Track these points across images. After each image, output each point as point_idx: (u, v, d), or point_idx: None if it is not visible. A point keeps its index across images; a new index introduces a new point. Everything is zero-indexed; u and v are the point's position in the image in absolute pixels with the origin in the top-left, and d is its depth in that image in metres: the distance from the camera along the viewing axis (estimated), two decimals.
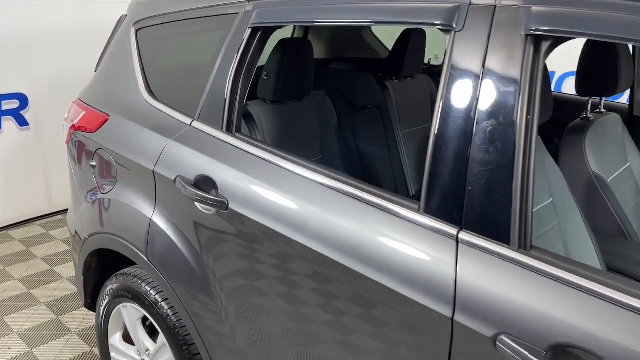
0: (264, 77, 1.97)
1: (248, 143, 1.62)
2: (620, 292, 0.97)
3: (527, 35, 1.09)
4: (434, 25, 1.23)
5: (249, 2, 1.68)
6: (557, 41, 1.08)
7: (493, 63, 1.13)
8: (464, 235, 1.15)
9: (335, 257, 1.32)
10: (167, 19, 2.00)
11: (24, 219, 4.30)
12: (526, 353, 1.00)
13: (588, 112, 2.06)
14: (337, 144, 2.26)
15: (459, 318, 1.11)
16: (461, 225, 1.16)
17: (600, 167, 1.92)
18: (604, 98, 2.14)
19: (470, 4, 1.19)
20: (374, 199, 1.31)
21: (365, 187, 1.34)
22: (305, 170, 1.46)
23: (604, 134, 2.04)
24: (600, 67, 1.95)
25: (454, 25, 1.19)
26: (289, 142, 2.08)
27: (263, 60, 1.79)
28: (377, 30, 3.31)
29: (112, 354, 2.26)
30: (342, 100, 2.43)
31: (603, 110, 2.16)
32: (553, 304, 1.01)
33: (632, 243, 1.83)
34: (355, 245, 1.28)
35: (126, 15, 2.20)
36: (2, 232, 4.16)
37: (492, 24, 1.14)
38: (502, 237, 1.10)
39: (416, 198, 1.25)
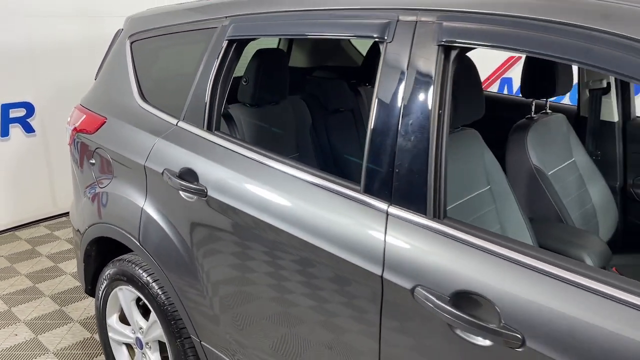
0: (243, 83, 2.23)
1: (225, 139, 1.88)
2: (508, 250, 1.22)
3: (438, 45, 1.35)
4: (372, 37, 1.49)
5: (226, 17, 1.95)
6: (463, 50, 1.34)
7: (414, 68, 1.39)
8: (392, 209, 1.40)
9: (294, 231, 1.57)
10: (157, 33, 2.26)
11: (30, 220, 4.55)
12: (434, 299, 1.25)
13: (532, 113, 2.32)
14: (312, 143, 2.52)
15: (387, 275, 1.36)
16: (390, 201, 1.41)
17: (540, 161, 2.17)
18: (549, 100, 2.39)
19: (398, 21, 1.45)
20: (326, 183, 1.57)
21: (319, 174, 1.59)
22: (272, 162, 1.72)
23: (547, 132, 2.29)
24: (540, 73, 2.21)
25: (386, 38, 1.45)
26: (267, 141, 2.34)
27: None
28: (354, 41, 3.58)
29: (110, 334, 2.51)
30: (317, 104, 2.70)
31: (549, 111, 2.41)
32: (457, 260, 1.26)
33: (564, 225, 2.08)
34: (309, 221, 1.54)
35: (122, 30, 2.47)
36: (9, 232, 4.42)
37: (413, 36, 1.40)
38: (420, 209, 1.35)
39: None
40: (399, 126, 1.40)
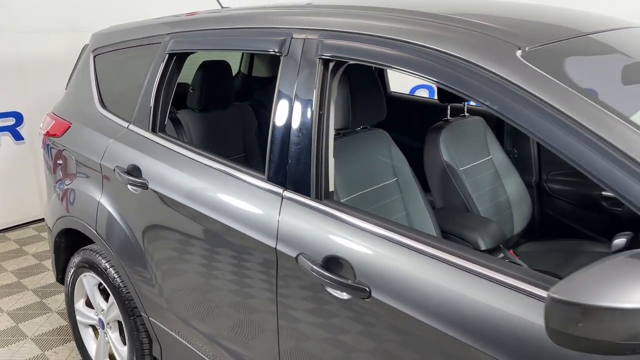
0: (191, 91, 2.54)
1: (165, 139, 2.18)
2: (366, 222, 1.51)
3: (319, 58, 1.65)
4: (273, 52, 1.79)
5: (167, 34, 2.25)
6: (338, 63, 1.64)
7: (302, 77, 1.68)
8: (286, 193, 1.69)
9: (215, 216, 1.86)
10: (116, 47, 2.57)
11: (19, 223, 4.85)
12: (310, 263, 1.54)
13: (448, 116, 2.61)
14: (257, 144, 2.82)
15: (279, 247, 1.65)
16: (285, 186, 1.71)
17: (451, 158, 2.46)
18: (467, 104, 2.69)
19: (292, 38, 1.75)
20: (240, 174, 1.86)
21: (236, 166, 1.89)
22: (201, 158, 2.01)
23: (461, 132, 2.58)
24: None
25: (282, 51, 1.75)
26: (213, 142, 2.63)
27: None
28: None
29: (78, 317, 2.80)
30: (262, 109, 2.99)
31: (466, 114, 2.70)
32: (328, 232, 1.55)
33: (467, 213, 2.36)
34: (227, 206, 1.83)
35: (88, 45, 2.78)
36: (0, 233, 4.72)
37: (302, 51, 1.70)
38: (306, 192, 1.64)
39: None
40: (291, 125, 1.69)
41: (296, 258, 1.59)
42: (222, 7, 2.78)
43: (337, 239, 1.53)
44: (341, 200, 1.84)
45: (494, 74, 1.30)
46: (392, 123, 2.73)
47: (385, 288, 1.41)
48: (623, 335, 0.92)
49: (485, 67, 1.32)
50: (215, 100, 2.55)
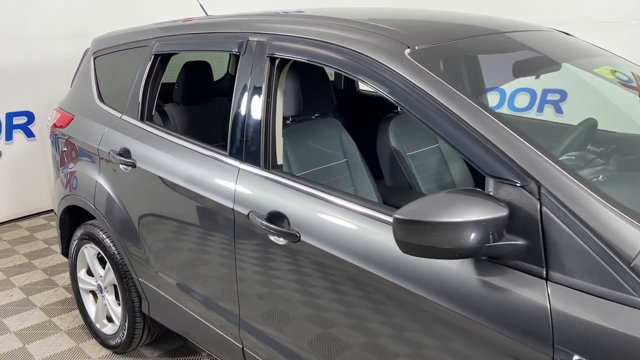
0: (176, 87, 2.96)
1: (151, 126, 2.60)
2: (298, 184, 1.92)
3: (267, 57, 2.07)
4: (232, 51, 2.21)
5: (154, 38, 2.68)
6: (282, 60, 2.05)
7: (254, 72, 2.10)
8: (242, 165, 2.11)
9: (190, 187, 2.27)
10: (113, 50, 3.00)
11: (31, 213, 5.29)
12: (257, 217, 1.95)
13: (399, 109, 3.01)
14: None
15: (236, 207, 2.06)
16: (242, 160, 2.12)
17: (399, 144, 2.86)
18: None
19: (248, 40, 2.17)
20: (210, 152, 2.27)
21: (207, 146, 2.30)
22: (180, 140, 2.43)
23: (410, 123, 2.99)
24: None
25: (240, 51, 2.17)
26: (196, 131, 3.05)
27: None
28: None
29: (80, 285, 3.22)
30: None
31: None
32: (271, 193, 1.96)
33: (409, 189, 2.77)
34: (198, 178, 2.24)
35: (89, 48, 3.22)
36: (12, 222, 5.17)
37: (255, 50, 2.12)
38: (257, 163, 2.06)
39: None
40: (246, 111, 2.11)
41: (248, 215, 2.01)
42: (207, 15, 3.21)
43: (277, 198, 1.94)
44: (294, 174, 2.26)
45: (389, 68, 1.71)
46: (360, 117, 3.17)
47: (310, 233, 1.81)
48: (449, 242, 1.32)
49: (382, 62, 1.73)
50: (197, 95, 2.97)
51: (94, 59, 3.11)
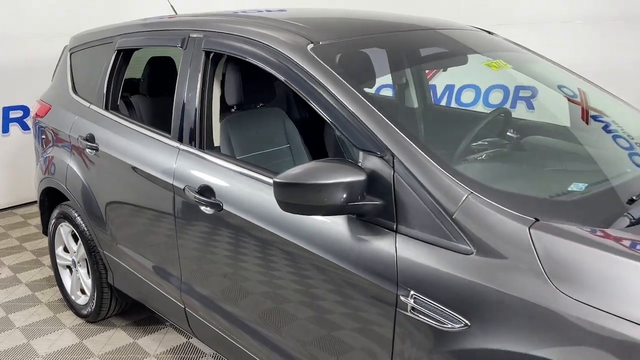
0: (142, 80, 3.27)
1: (114, 115, 2.91)
2: (227, 162, 2.21)
3: (203, 51, 2.37)
4: (177, 46, 2.51)
5: (117, 35, 2.99)
6: (216, 55, 2.35)
7: (194, 65, 2.40)
8: (181, 146, 2.41)
9: (139, 165, 2.58)
10: (85, 47, 3.32)
11: (25, 202, 5.63)
12: (190, 191, 2.25)
13: None
14: None
15: (175, 182, 2.35)
16: (182, 141, 2.42)
17: None
18: None
19: (189, 37, 2.47)
20: (159, 137, 2.58)
21: (157, 132, 2.60)
22: (136, 127, 2.74)
23: None
24: None
25: (183, 47, 2.48)
26: (159, 120, 3.35)
27: None
28: None
29: (58, 260, 3.54)
30: None
31: None
32: (204, 170, 2.26)
33: None
34: (147, 159, 2.54)
35: (67, 45, 3.54)
36: (9, 210, 5.52)
37: (194, 46, 2.42)
38: (194, 144, 2.36)
39: None
40: (185, 99, 2.41)
41: (184, 189, 2.31)
42: (176, 14, 3.53)
43: (207, 174, 2.24)
44: (238, 158, 2.54)
45: (293, 60, 2.00)
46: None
47: (230, 202, 2.11)
48: (318, 201, 1.61)
49: (288, 56, 2.02)
50: (161, 87, 3.28)
51: (70, 54, 3.43)
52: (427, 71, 2.93)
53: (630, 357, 1.20)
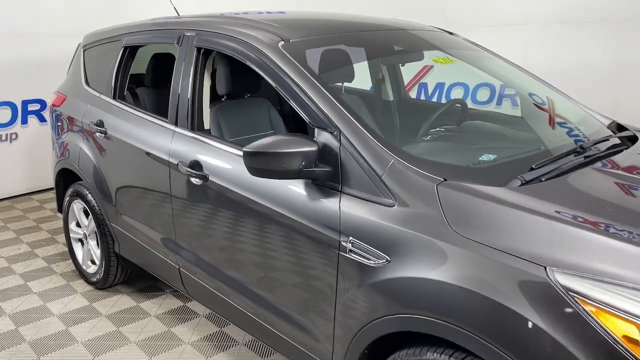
0: (146, 74, 3.70)
1: (121, 103, 3.34)
2: (213, 141, 2.63)
3: (195, 47, 2.79)
4: (174, 43, 2.93)
5: (124, 34, 3.43)
6: (207, 51, 2.77)
7: (187, 59, 2.81)
8: (176, 129, 2.82)
9: (141, 146, 3.00)
10: (97, 44, 3.76)
11: (42, 188, 6.09)
12: (183, 166, 2.67)
13: None
14: None
15: (170, 159, 2.77)
16: (177, 124, 2.84)
17: None
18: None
19: (183, 35, 2.89)
20: (159, 122, 3.00)
21: (158, 117, 3.01)
22: (141, 114, 3.16)
23: None
24: None
25: (178, 44, 2.90)
26: (161, 108, 3.78)
27: None
28: None
29: (71, 235, 3.98)
30: None
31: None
32: (194, 147, 2.68)
33: None
34: (147, 140, 2.96)
35: (81, 42, 3.98)
36: (27, 195, 5.98)
37: (188, 42, 2.84)
38: (186, 126, 2.77)
39: None
40: (180, 88, 2.84)
41: (177, 164, 2.72)
42: (179, 15, 3.95)
43: (197, 151, 2.65)
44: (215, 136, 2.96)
45: (267, 55, 2.41)
46: None
47: (215, 174, 2.52)
48: (279, 166, 2.01)
49: (263, 51, 2.43)
50: (162, 80, 3.70)
51: (84, 51, 3.87)
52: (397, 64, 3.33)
53: (502, 274, 1.58)
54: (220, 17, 2.91)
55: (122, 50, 3.37)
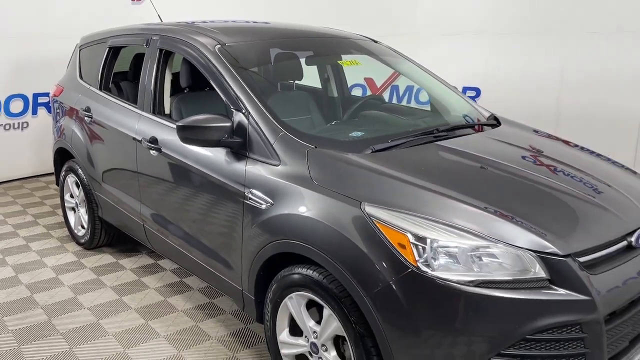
0: (129, 70, 4.46)
1: (105, 93, 4.10)
2: (165, 120, 3.37)
3: (158, 49, 3.54)
4: (144, 45, 3.68)
5: (109, 37, 4.19)
6: (167, 52, 3.51)
7: (152, 58, 3.56)
8: (142, 113, 3.57)
9: (116, 126, 3.76)
10: (90, 44, 4.52)
11: (49, 172, 6.85)
12: (145, 141, 3.42)
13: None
14: None
15: (136, 136, 3.53)
16: (143, 109, 3.59)
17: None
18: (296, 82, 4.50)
19: (151, 38, 3.64)
20: (132, 107, 3.75)
21: (132, 104, 3.77)
22: (119, 101, 3.92)
23: (291, 100, 4.40)
24: None
25: (147, 45, 3.65)
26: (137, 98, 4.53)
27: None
28: None
29: (65, 204, 4.73)
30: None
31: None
32: (153, 126, 3.42)
33: None
34: (121, 122, 3.71)
35: (78, 43, 4.76)
36: (35, 177, 6.77)
37: (153, 45, 3.59)
38: (150, 111, 3.52)
39: None
40: (147, 80, 3.58)
41: (141, 140, 3.47)
42: (162, 22, 4.70)
43: (155, 130, 3.39)
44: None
45: (205, 56, 3.14)
46: None
47: (165, 146, 3.25)
48: (202, 137, 2.74)
49: (204, 53, 3.16)
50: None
51: (79, 50, 4.64)
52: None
53: (342, 210, 2.26)
54: (180, 25, 3.64)
55: (107, 50, 4.13)
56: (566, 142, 3.12)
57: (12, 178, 6.67)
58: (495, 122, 3.27)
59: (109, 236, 4.47)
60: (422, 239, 2.06)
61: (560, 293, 1.97)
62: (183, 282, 3.96)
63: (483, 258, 2.03)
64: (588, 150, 3.04)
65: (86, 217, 4.45)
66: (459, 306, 1.99)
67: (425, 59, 7.50)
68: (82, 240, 4.52)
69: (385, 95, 7.47)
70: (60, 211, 5.44)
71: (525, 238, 2.05)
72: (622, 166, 2.88)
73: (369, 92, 6.62)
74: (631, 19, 5.43)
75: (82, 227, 4.57)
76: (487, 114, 3.44)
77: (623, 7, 5.45)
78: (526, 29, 6.48)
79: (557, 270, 1.99)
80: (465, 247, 2.04)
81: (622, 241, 2.19)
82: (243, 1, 7.77)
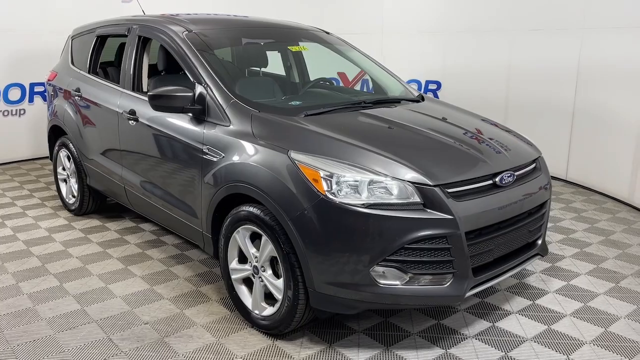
0: (115, 57, 5.09)
1: (93, 75, 4.73)
2: (142, 96, 4.00)
3: (137, 36, 4.17)
4: (125, 34, 4.31)
5: (97, 27, 4.81)
6: (145, 38, 4.13)
7: (132, 44, 4.18)
8: (123, 90, 4.20)
9: (102, 103, 4.38)
10: (80, 35, 5.14)
11: (44, 155, 7.47)
12: (125, 113, 4.04)
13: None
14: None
15: (118, 110, 4.16)
16: (124, 87, 4.22)
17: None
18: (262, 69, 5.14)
19: (132, 27, 4.25)
20: (117, 87, 4.38)
21: (116, 84, 4.39)
22: (107, 82, 4.54)
23: (255, 84, 5.04)
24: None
25: (127, 33, 4.27)
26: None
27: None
28: None
29: (58, 176, 5.35)
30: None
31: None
32: (132, 101, 4.04)
33: None
34: (106, 99, 4.33)
35: (70, 34, 5.39)
36: (31, 160, 7.38)
37: (134, 32, 4.21)
38: (130, 89, 4.15)
39: None
40: (127, 63, 4.21)
41: (122, 113, 4.09)
42: (144, 14, 5.33)
43: (134, 104, 4.01)
44: None
45: (175, 41, 3.77)
46: None
47: (142, 116, 3.88)
48: (170, 104, 3.36)
49: (174, 38, 3.79)
50: None
51: (71, 40, 5.27)
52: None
53: (277, 159, 2.89)
54: (156, 16, 4.28)
55: (95, 39, 4.76)
56: (474, 115, 3.76)
57: (10, 160, 7.28)
58: (419, 99, 3.91)
59: (96, 204, 5.08)
60: (330, 175, 2.68)
61: (430, 212, 2.60)
62: (160, 240, 4.57)
63: (377, 189, 2.66)
64: (489, 120, 3.68)
65: (76, 186, 5.06)
66: (357, 223, 2.61)
67: (391, 56, 8.22)
68: (73, 207, 5.14)
69: (357, 86, 8.10)
70: (53, 187, 6.06)
71: (407, 174, 2.68)
72: (507, 129, 3.53)
73: (341, 84, 7.26)
74: (567, 19, 6.10)
75: (73, 196, 5.17)
76: (416, 94, 4.08)
77: (562, 8, 6.13)
78: (478, 27, 7.14)
79: (429, 197, 2.63)
80: (364, 180, 2.67)
81: (488, 180, 2.83)
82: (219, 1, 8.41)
